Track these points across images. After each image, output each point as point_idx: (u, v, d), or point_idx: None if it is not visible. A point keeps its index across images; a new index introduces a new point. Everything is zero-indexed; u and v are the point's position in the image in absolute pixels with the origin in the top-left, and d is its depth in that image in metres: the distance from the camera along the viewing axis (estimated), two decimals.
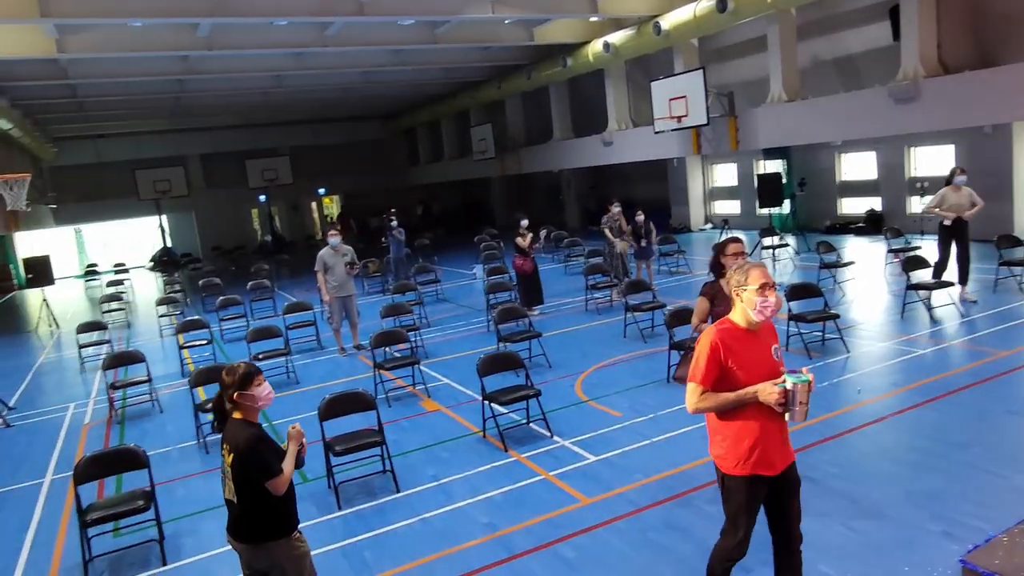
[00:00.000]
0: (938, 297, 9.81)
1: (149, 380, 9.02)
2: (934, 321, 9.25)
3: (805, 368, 3.27)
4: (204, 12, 13.31)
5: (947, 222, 9.80)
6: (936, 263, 10.08)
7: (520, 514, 5.27)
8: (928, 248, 11.74)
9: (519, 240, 11.96)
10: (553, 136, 25.15)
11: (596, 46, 19.45)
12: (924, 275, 9.95)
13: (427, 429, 7.35)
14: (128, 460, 5.36)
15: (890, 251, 12.75)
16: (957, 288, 9.96)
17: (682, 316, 8.02)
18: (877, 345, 8.66)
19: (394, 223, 16.71)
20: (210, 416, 7.20)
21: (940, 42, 13.80)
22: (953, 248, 9.98)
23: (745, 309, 3.29)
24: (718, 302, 5.13)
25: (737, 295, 3.32)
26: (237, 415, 3.47)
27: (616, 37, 18.73)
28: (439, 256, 20.59)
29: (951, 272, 10.09)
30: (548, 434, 6.71)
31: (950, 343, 8.46)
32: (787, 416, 3.25)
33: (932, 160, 16.74)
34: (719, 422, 3.38)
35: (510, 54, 21.78)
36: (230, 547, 3.60)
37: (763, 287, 3.22)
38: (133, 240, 31.70)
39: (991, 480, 5.01)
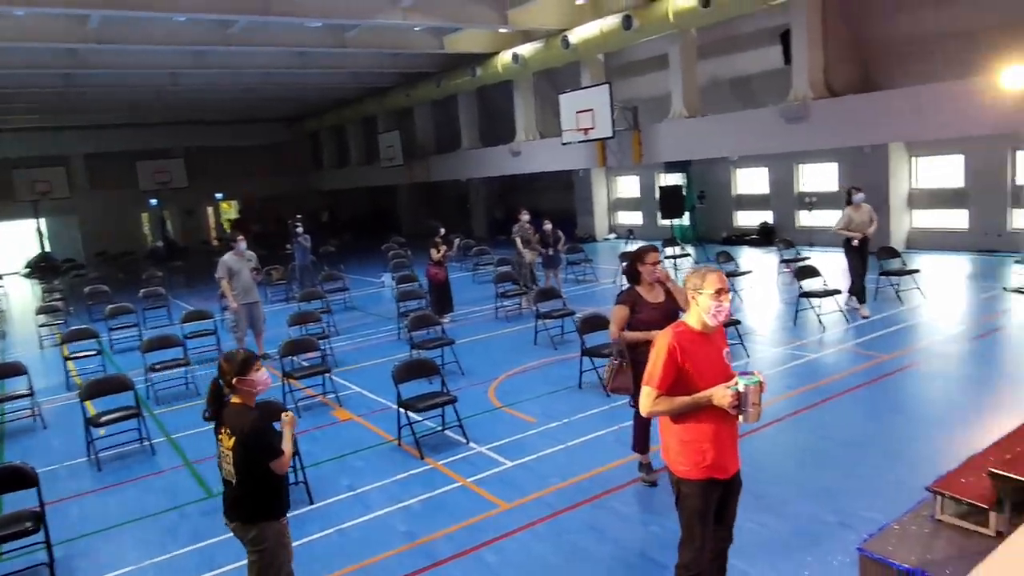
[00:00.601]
0: (827, 304, 10.45)
1: (31, 394, 8.38)
2: (823, 327, 9.86)
3: (756, 370, 3.36)
4: (96, 3, 12.56)
5: (855, 242, 10.03)
6: (852, 283, 10.36)
7: (439, 521, 5.23)
8: (817, 258, 12.52)
9: (434, 251, 11.96)
10: (462, 145, 25.22)
11: (505, 57, 19.69)
12: (814, 284, 10.59)
13: (340, 439, 7.18)
14: (14, 479, 4.95)
15: (782, 261, 13.50)
16: (844, 298, 10.63)
17: (593, 323, 8.20)
18: (773, 350, 9.14)
19: (299, 229, 16.26)
20: (101, 431, 6.92)
21: (826, 67, 14.82)
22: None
23: (700, 313, 3.35)
24: (639, 309, 5.24)
25: (693, 299, 3.36)
26: (236, 400, 3.66)
27: (525, 49, 19.03)
28: (346, 264, 20.19)
29: (836, 283, 10.78)
30: (464, 440, 6.70)
31: (838, 347, 9.03)
32: (741, 418, 3.28)
33: (818, 176, 17.90)
34: (673, 426, 3.38)
35: (419, 61, 21.71)
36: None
37: (719, 292, 3.29)
38: (6, 245, 29.30)
39: (881, 474, 5.39)
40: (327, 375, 8.53)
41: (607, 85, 17.34)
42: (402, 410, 6.66)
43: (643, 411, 3.37)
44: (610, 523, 5.02)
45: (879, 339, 9.16)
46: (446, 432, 6.90)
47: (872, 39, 15.18)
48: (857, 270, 10.22)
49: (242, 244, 10.26)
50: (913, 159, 16.01)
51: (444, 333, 9.69)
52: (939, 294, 11.36)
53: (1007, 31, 12.13)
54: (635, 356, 5.20)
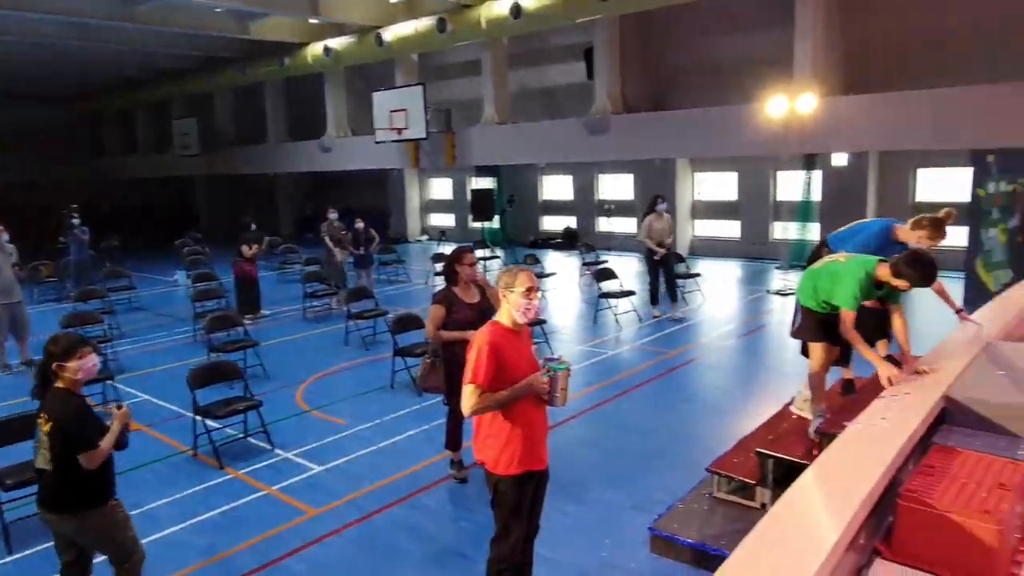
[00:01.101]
0: (623, 304, 11.25)
1: None
2: (619, 326, 10.60)
3: (560, 355, 3.53)
4: None
5: (656, 257, 10.55)
6: (650, 289, 11.00)
7: (242, 533, 4.93)
8: (614, 262, 13.44)
9: (245, 247, 11.39)
10: (268, 138, 23.98)
11: (316, 49, 19.03)
12: (611, 285, 11.36)
13: (126, 451, 6.50)
14: None
15: (584, 264, 14.32)
16: (639, 302, 11.51)
17: (406, 323, 8.18)
18: (575, 348, 9.67)
19: (76, 221, 14.56)
20: None
21: (624, 84, 15.98)
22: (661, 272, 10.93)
23: (511, 310, 3.43)
24: (455, 308, 5.29)
25: (504, 297, 3.44)
26: (60, 384, 3.53)
27: (337, 42, 18.53)
28: (132, 260, 18.39)
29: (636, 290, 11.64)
30: (269, 447, 6.38)
31: (633, 345, 9.77)
32: (551, 403, 3.45)
33: (616, 186, 19.24)
34: (489, 424, 3.43)
35: (221, 45, 20.32)
36: None
37: (529, 290, 3.39)
38: None
39: (671, 458, 5.90)
40: (108, 382, 7.71)
41: (421, 86, 17.38)
42: (198, 417, 6.20)
43: (466, 410, 3.38)
44: (422, 522, 5.03)
45: (666, 337, 10.03)
46: (249, 439, 6.53)
47: (665, 62, 16.62)
48: (665, 276, 10.77)
49: (3, 236, 8.99)
50: (696, 174, 17.73)
51: (247, 334, 9.15)
52: (716, 296, 12.68)
53: (774, 65, 13.82)
54: (449, 355, 5.26)
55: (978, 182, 9.86)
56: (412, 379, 7.66)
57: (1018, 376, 3.97)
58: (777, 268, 15.05)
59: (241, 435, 6.56)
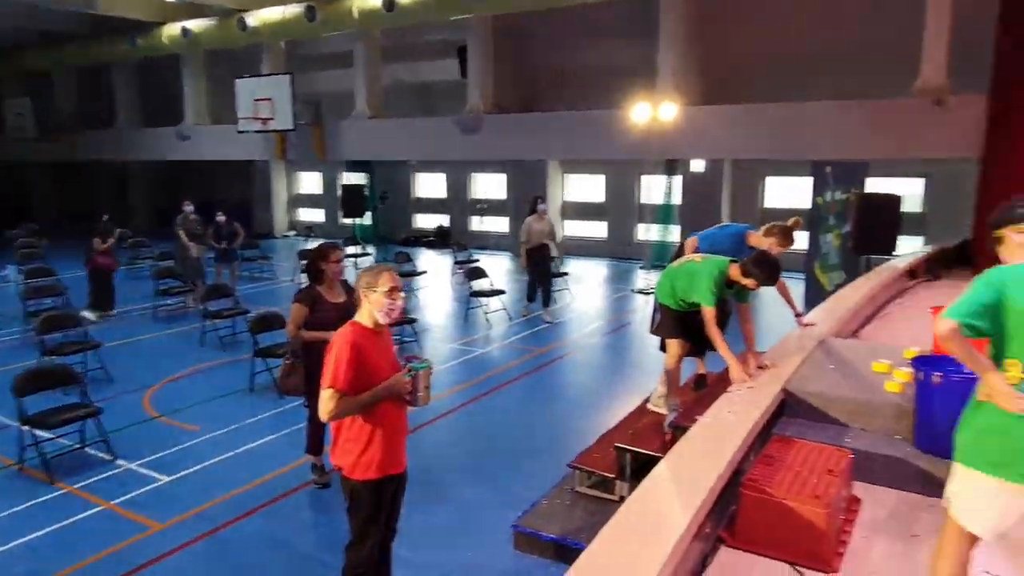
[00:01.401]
0: (493, 303, 11.32)
1: None
2: (490, 324, 10.66)
3: (421, 355, 3.45)
4: None
5: (523, 263, 10.53)
6: (528, 288, 10.95)
7: (74, 554, 4.50)
8: (486, 261, 13.50)
9: (98, 240, 10.55)
10: (118, 122, 22.22)
11: (173, 29, 17.83)
12: (482, 284, 11.40)
13: None
14: None
15: (455, 263, 14.29)
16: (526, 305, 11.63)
17: (268, 322, 7.81)
18: (446, 346, 9.63)
19: None
20: None
21: (497, 85, 16.11)
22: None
23: (372, 310, 3.31)
24: (319, 308, 5.07)
25: (366, 296, 3.31)
26: None
27: (196, 24, 17.44)
28: None
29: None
30: (110, 458, 5.88)
31: (502, 343, 9.85)
32: (413, 403, 3.35)
33: (489, 185, 19.37)
34: (348, 428, 3.30)
35: (63, 19, 18.58)
36: None
37: (392, 290, 3.28)
38: None
39: (539, 455, 5.97)
40: None
41: (289, 76, 16.72)
42: (25, 428, 5.61)
43: (325, 415, 3.23)
44: (279, 530, 4.81)
45: (536, 335, 10.19)
46: (86, 450, 5.99)
47: (537, 65, 16.89)
48: (539, 279, 10.73)
49: None
50: (565, 175, 18.17)
51: (88, 335, 8.41)
52: (584, 294, 13.03)
53: (639, 73, 14.39)
54: (310, 356, 5.05)
55: (817, 191, 10.71)
56: (274, 381, 7.32)
57: (847, 370, 4.33)
58: (641, 268, 15.70)
59: (77, 445, 6.00)
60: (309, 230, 20.85)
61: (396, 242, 19.60)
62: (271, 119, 16.77)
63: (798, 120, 12.35)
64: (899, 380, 3.96)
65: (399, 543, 3.77)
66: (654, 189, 16.50)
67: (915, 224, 13.20)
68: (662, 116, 13.30)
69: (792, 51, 13.52)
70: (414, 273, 13.25)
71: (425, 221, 20.71)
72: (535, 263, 10.59)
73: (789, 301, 4.94)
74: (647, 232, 16.85)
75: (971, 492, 2.24)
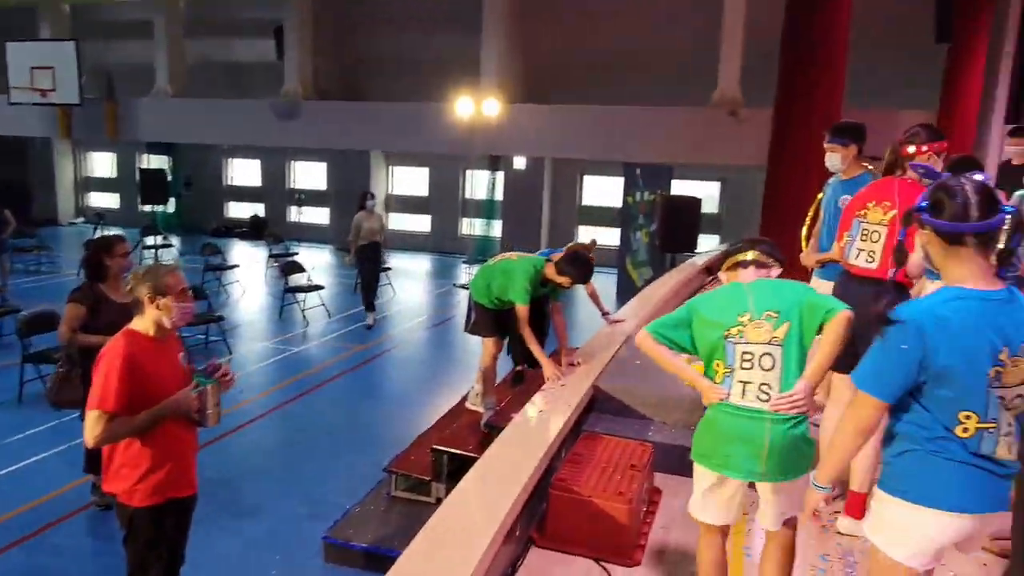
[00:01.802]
0: (311, 299, 10.82)
1: None
2: (307, 321, 10.18)
3: (217, 360, 3.08)
4: None
5: (348, 261, 9.95)
6: (362, 287, 10.28)
7: None
8: (305, 254, 12.91)
9: None
10: None
11: None
12: (300, 279, 10.87)
13: None
14: None
15: (271, 256, 13.53)
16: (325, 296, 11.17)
17: (41, 322, 6.86)
18: (258, 345, 9.06)
19: None
20: None
21: (318, 69, 15.41)
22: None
23: (160, 316, 2.93)
24: (102, 308, 4.45)
25: (150, 302, 2.93)
26: None
27: None
28: None
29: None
30: None
31: (321, 340, 9.44)
32: (201, 423, 3.00)
33: (309, 175, 18.55)
34: (125, 450, 2.90)
35: None
36: None
37: (183, 292, 2.95)
38: None
39: (352, 458, 5.74)
40: None
41: (74, 43, 14.89)
42: None
43: (91, 441, 2.81)
44: (52, 563, 4.23)
45: (356, 332, 9.87)
46: None
47: (361, 52, 16.37)
48: (368, 279, 10.11)
49: None
50: (390, 167, 17.83)
51: None
52: (407, 289, 12.85)
53: (464, 68, 14.37)
54: (90, 364, 4.46)
55: (628, 191, 11.34)
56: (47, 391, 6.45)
57: (650, 365, 4.54)
58: (464, 263, 15.78)
59: None
60: (100, 217, 18.69)
61: (205, 232, 18.18)
62: (51, 91, 14.85)
63: (612, 123, 12.96)
64: None
65: (193, 569, 3.42)
66: (478, 184, 16.66)
67: (713, 224, 14.41)
68: (486, 112, 13.40)
69: (606, 56, 14.17)
70: (222, 267, 12.35)
71: (239, 210, 19.42)
72: (366, 262, 9.92)
73: (596, 301, 5.11)
74: (471, 227, 16.98)
75: (696, 481, 2.45)
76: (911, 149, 3.13)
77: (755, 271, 2.44)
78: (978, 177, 2.18)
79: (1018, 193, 4.83)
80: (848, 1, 8.11)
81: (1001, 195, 1.94)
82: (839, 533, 3.09)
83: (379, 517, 4.45)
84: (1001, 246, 1.84)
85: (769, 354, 2.27)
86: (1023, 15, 9.75)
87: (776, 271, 2.48)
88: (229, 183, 19.51)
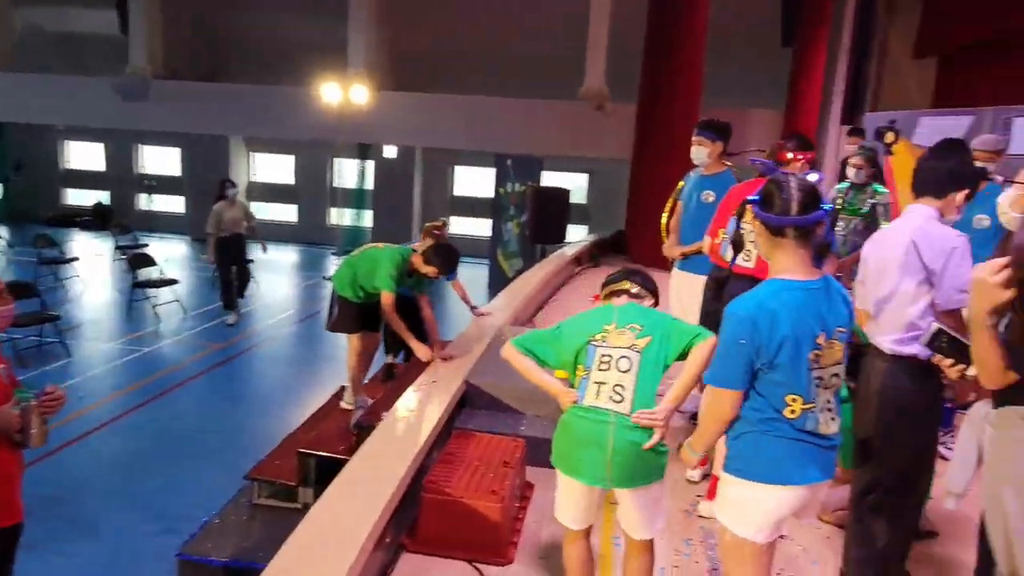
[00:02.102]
0: (164, 294, 10.08)
1: None
2: (159, 318, 9.46)
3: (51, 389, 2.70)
4: None
5: (208, 258, 9.27)
6: (221, 284, 9.56)
7: None
8: (156, 246, 12.00)
9: None
10: None
11: None
12: (151, 273, 10.08)
13: None
14: None
15: (117, 247, 12.48)
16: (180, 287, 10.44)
17: None
18: (102, 346, 8.32)
19: None
20: None
21: (169, 46, 14.31)
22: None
23: None
24: None
25: None
26: None
27: None
28: None
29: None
30: None
31: (176, 338, 8.80)
32: (24, 444, 2.62)
33: (160, 160, 17.27)
34: None
35: None
36: None
37: None
38: None
39: (211, 466, 5.37)
40: None
41: None
42: None
43: None
44: None
45: (216, 328, 9.29)
46: None
47: (219, 30, 15.37)
48: (228, 276, 9.39)
49: None
50: (251, 154, 16.92)
51: None
52: (271, 282, 12.26)
53: (331, 53, 13.83)
54: None
55: (500, 182, 11.38)
56: None
57: None
58: (333, 254, 15.29)
59: None
60: None
61: (38, 222, 16.49)
62: None
63: (483, 113, 12.94)
64: None
65: None
66: (347, 173, 16.15)
67: (581, 215, 14.77)
68: (354, 99, 12.99)
69: (477, 47, 14.12)
70: (59, 260, 11.25)
71: (79, 197, 17.76)
72: (227, 256, 9.17)
73: (465, 299, 5.06)
74: (340, 217, 16.46)
75: (557, 483, 2.44)
76: (790, 155, 3.34)
77: (628, 299, 2.48)
78: (812, 177, 2.36)
79: (837, 187, 5.25)
80: (706, 6, 8.54)
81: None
82: (700, 516, 3.22)
83: (240, 528, 4.18)
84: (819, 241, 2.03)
85: (627, 357, 2.29)
86: (857, 21, 10.62)
87: (649, 302, 2.52)
88: (67, 167, 17.80)
